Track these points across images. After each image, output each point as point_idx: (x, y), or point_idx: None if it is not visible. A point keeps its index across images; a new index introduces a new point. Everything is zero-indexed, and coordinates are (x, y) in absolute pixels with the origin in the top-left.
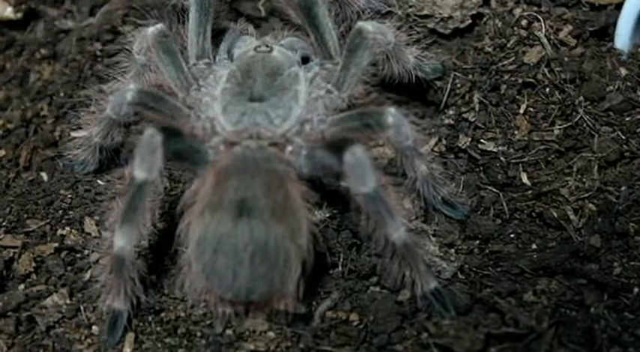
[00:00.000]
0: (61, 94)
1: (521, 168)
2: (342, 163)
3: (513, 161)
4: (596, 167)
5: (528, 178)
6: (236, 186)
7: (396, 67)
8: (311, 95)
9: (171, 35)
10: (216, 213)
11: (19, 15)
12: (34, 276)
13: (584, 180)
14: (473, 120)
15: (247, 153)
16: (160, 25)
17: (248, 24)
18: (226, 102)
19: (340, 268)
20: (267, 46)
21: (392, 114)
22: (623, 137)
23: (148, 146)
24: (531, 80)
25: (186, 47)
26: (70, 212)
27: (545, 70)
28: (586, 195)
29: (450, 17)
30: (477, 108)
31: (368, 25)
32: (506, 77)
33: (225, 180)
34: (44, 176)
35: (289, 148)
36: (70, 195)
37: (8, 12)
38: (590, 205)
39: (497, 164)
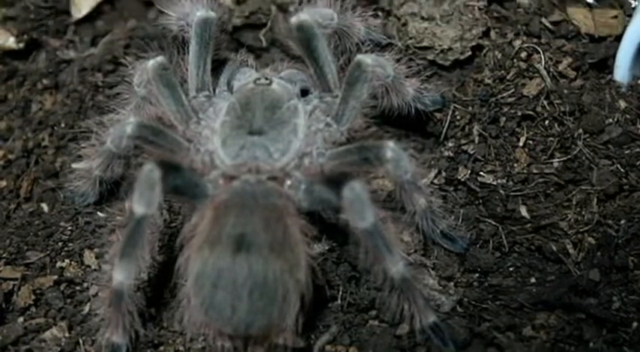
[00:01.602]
0: (63, 125)
1: (520, 201)
2: (340, 198)
3: (512, 194)
4: (596, 200)
5: (527, 211)
6: (235, 221)
7: (396, 99)
8: (310, 128)
9: (171, 68)
10: (215, 248)
11: (21, 45)
12: (33, 309)
13: (583, 213)
14: (472, 152)
15: (246, 187)
16: (160, 58)
17: (249, 55)
18: (225, 135)
19: (339, 301)
20: (266, 79)
21: (390, 148)
22: (623, 170)
23: (147, 181)
24: (531, 112)
25: (187, 79)
26: (70, 244)
27: (545, 103)
28: (585, 228)
29: (450, 49)
30: (476, 141)
31: (367, 58)
32: (505, 109)
33: (224, 214)
34: (45, 207)
35: (288, 182)
36: (70, 227)
37: (10, 42)
38: (590, 239)
39: (497, 197)
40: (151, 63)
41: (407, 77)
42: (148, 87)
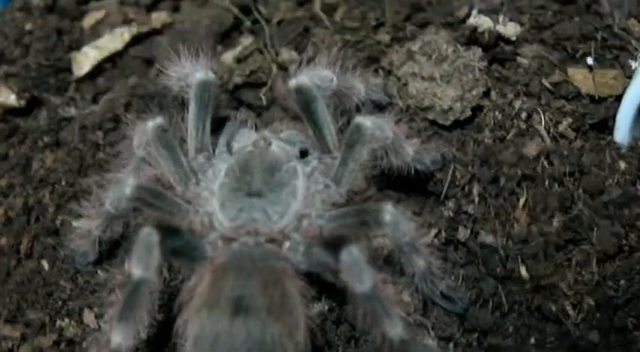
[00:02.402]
0: (63, 183)
1: (520, 261)
2: (338, 261)
3: (512, 254)
4: (595, 260)
5: (527, 271)
6: (233, 284)
7: (395, 160)
8: (309, 190)
9: (170, 129)
10: (213, 311)
11: (23, 102)
12: None
13: (583, 273)
14: (472, 212)
15: (244, 249)
16: (159, 119)
17: (249, 113)
18: (224, 197)
19: None
20: (265, 141)
21: (389, 211)
22: (623, 231)
23: (145, 245)
24: (531, 173)
25: (186, 139)
26: (70, 303)
27: (545, 163)
28: (585, 288)
29: (451, 109)
30: (476, 201)
31: (366, 121)
32: (505, 169)
33: (223, 277)
34: (45, 264)
35: (287, 244)
36: (70, 287)
37: (12, 99)
38: (589, 299)
39: (497, 257)
40: (150, 124)
41: (407, 138)
42: (147, 148)
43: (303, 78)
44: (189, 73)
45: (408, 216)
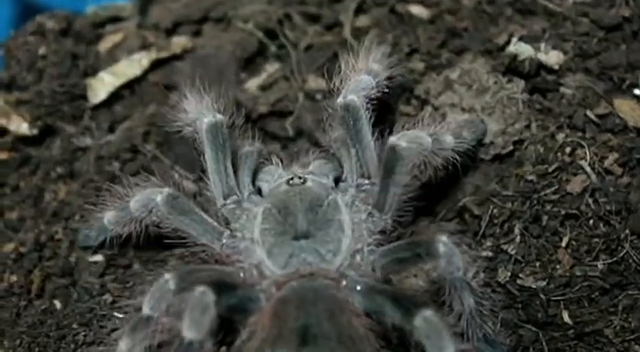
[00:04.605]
0: (77, 217)
1: (562, 306)
2: (410, 324)
3: (554, 298)
4: None
5: (570, 317)
6: (296, 314)
7: (435, 160)
8: (354, 221)
9: (181, 195)
10: (277, 345)
11: (35, 131)
12: None
13: (630, 319)
14: (512, 252)
15: (304, 283)
16: (166, 190)
17: (261, 146)
18: (270, 244)
19: None
20: (299, 178)
21: (443, 243)
22: None
23: (200, 305)
24: (574, 211)
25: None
26: (84, 348)
27: (590, 201)
28: (632, 336)
29: (492, 143)
30: (516, 240)
31: (401, 142)
32: (548, 207)
33: (284, 309)
34: (57, 304)
35: (343, 282)
36: (83, 331)
37: (23, 128)
38: (637, 347)
39: (537, 301)
40: (159, 198)
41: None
42: (165, 222)
43: (352, 95)
44: (196, 118)
45: (463, 249)
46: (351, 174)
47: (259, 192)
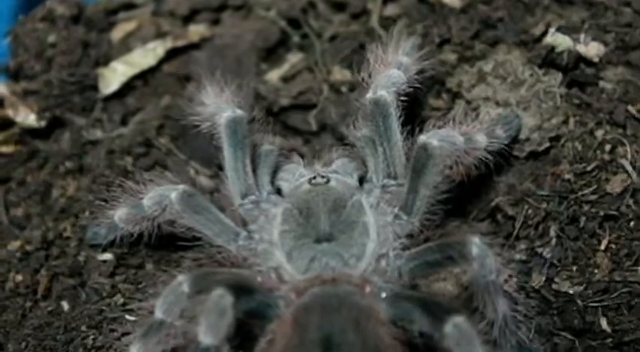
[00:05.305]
0: (87, 214)
1: (600, 313)
2: (440, 331)
3: (592, 304)
4: None
5: (608, 324)
6: (318, 323)
7: (467, 160)
8: (379, 224)
9: (196, 192)
10: None
11: (43, 123)
12: None
13: None
14: (547, 256)
15: (326, 290)
16: (181, 187)
17: (274, 140)
18: (290, 247)
19: None
20: (322, 177)
21: (476, 244)
22: None
23: (217, 308)
24: (614, 212)
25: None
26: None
27: (630, 201)
28: None
29: (528, 139)
30: (552, 243)
31: (432, 140)
32: (585, 208)
33: (305, 317)
34: (65, 306)
35: (367, 289)
36: (92, 335)
37: (31, 119)
38: None
39: (574, 307)
40: (173, 195)
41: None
42: (179, 220)
43: (381, 90)
44: (215, 112)
45: (496, 251)
46: (377, 174)
47: (278, 191)
